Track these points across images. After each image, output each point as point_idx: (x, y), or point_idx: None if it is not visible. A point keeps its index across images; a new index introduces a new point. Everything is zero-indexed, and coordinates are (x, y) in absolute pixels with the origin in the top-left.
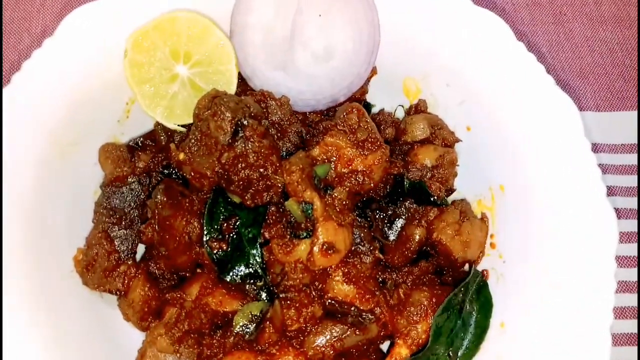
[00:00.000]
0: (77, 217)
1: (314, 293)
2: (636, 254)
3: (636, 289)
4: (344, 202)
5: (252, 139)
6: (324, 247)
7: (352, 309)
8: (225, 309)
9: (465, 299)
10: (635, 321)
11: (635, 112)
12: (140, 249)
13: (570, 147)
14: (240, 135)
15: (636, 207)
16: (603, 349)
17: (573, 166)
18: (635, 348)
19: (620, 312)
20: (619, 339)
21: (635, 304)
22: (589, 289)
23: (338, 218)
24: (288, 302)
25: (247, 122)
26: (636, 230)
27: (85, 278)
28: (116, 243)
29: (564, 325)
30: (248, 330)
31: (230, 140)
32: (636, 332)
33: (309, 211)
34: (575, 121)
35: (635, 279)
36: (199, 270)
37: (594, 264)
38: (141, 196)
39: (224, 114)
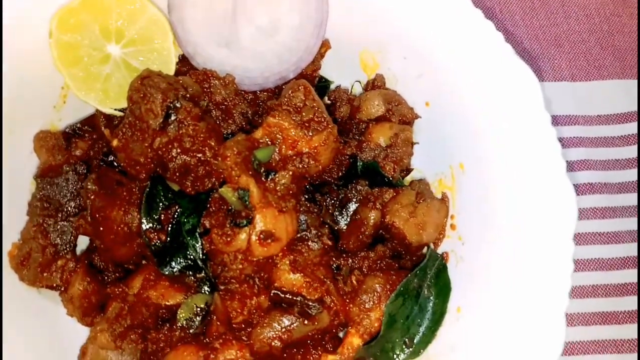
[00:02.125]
0: (13, 210)
1: (258, 284)
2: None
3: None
4: (287, 187)
5: (185, 122)
6: (262, 235)
7: (299, 298)
8: (168, 302)
9: (423, 283)
10: (635, 355)
11: (613, 81)
12: (85, 240)
13: (529, 121)
14: (173, 118)
15: (609, 182)
16: (558, 333)
17: (533, 141)
18: (635, 355)
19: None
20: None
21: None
22: (546, 270)
23: (279, 204)
24: (230, 294)
25: (180, 104)
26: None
27: (21, 274)
28: (52, 236)
29: (521, 309)
30: (193, 323)
31: (162, 124)
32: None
33: (246, 198)
34: (534, 92)
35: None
36: (144, 262)
37: (552, 244)
38: (78, 186)
39: (153, 96)
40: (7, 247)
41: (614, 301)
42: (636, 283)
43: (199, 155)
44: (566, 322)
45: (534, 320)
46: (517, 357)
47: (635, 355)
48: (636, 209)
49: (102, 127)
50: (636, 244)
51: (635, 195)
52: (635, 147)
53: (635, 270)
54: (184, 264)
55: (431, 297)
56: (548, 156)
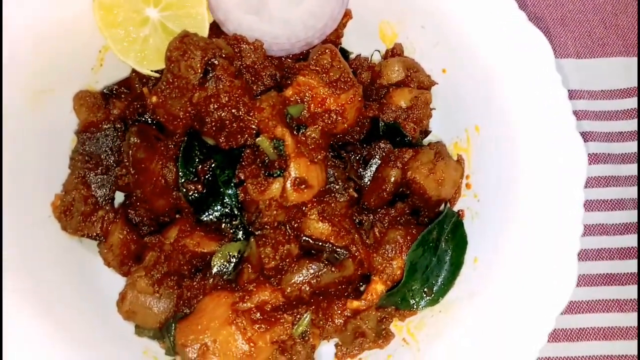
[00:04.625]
0: (54, 164)
1: (289, 231)
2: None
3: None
4: (317, 141)
5: (223, 79)
6: (297, 182)
7: (327, 245)
8: (203, 250)
9: (441, 237)
10: (635, 314)
11: (616, 59)
12: (119, 197)
13: (541, 82)
14: (211, 75)
15: (617, 152)
16: (570, 275)
17: (544, 100)
18: (635, 342)
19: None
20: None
21: (635, 296)
22: (559, 217)
23: (310, 155)
24: (264, 239)
25: (218, 61)
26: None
27: (63, 223)
28: (93, 188)
29: (535, 255)
30: (226, 270)
31: (201, 80)
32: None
33: (281, 147)
34: (546, 56)
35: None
36: (177, 216)
37: (562, 196)
38: (116, 142)
39: (193, 53)
40: (49, 200)
41: (617, 264)
42: (636, 247)
43: (234, 110)
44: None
45: (548, 264)
46: (532, 299)
47: (636, 314)
48: (636, 179)
49: (142, 86)
50: (636, 211)
51: (636, 165)
52: (636, 120)
53: (636, 236)
54: (221, 210)
55: (448, 250)
56: (559, 114)
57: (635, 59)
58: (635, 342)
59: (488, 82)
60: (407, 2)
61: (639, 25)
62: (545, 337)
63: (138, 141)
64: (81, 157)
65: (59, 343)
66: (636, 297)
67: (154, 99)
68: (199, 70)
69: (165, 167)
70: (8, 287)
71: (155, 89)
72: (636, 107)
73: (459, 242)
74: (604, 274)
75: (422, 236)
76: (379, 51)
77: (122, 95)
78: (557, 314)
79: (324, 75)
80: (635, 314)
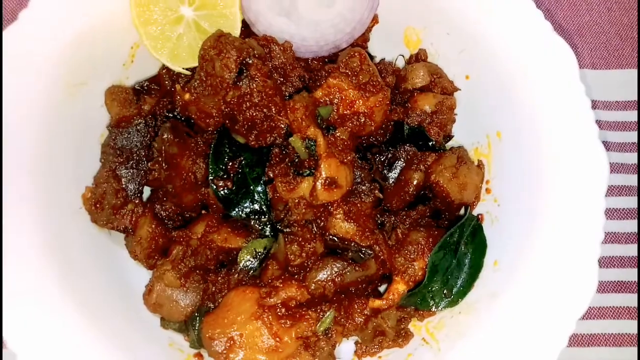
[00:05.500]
0: (84, 157)
1: (315, 230)
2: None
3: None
4: (345, 142)
5: (256, 78)
6: (327, 182)
7: (352, 244)
8: (230, 246)
9: (461, 240)
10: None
11: (632, 70)
12: (146, 192)
13: (564, 91)
14: (245, 74)
15: (631, 162)
16: (590, 280)
17: (567, 110)
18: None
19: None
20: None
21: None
22: (579, 223)
23: (340, 156)
24: (291, 236)
25: (252, 61)
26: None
27: (94, 215)
28: (123, 182)
29: (555, 262)
30: (252, 266)
31: (235, 79)
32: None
33: (312, 147)
34: (570, 66)
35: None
36: (203, 212)
37: (584, 203)
38: (147, 137)
39: (229, 52)
40: (77, 192)
41: (627, 272)
42: None
43: (265, 110)
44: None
45: (569, 269)
46: (553, 302)
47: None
48: None
49: (172, 84)
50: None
51: None
52: None
53: None
54: (250, 208)
55: (468, 253)
56: (582, 123)
57: None
58: None
59: (511, 89)
60: (434, 10)
61: None
62: (565, 340)
63: (171, 137)
64: (112, 151)
65: (92, 331)
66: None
67: (187, 96)
68: (234, 70)
69: (196, 163)
70: (48, 276)
71: (188, 86)
72: None
73: (479, 245)
74: (614, 281)
75: (444, 239)
76: (403, 56)
77: (152, 92)
78: (578, 317)
79: (354, 78)
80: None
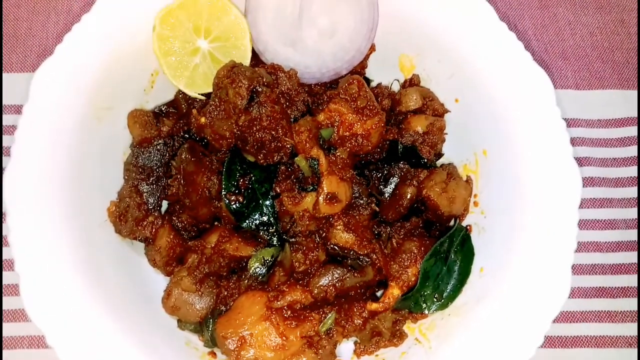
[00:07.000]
0: (109, 174)
1: (318, 239)
2: (636, 261)
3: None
4: (345, 161)
5: (265, 104)
6: (328, 196)
7: (351, 252)
8: (241, 254)
9: (451, 249)
10: (635, 324)
11: (613, 91)
12: (164, 206)
13: (543, 114)
14: (256, 100)
15: (607, 177)
16: (564, 284)
17: (545, 131)
18: (635, 350)
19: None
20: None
21: (635, 308)
22: (556, 234)
23: (340, 173)
24: (296, 246)
25: (262, 89)
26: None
27: (117, 227)
28: (144, 196)
29: (534, 266)
30: (261, 272)
31: (246, 105)
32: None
33: (315, 166)
34: (547, 91)
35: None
36: (216, 224)
37: (560, 215)
38: (166, 156)
39: (241, 82)
40: (103, 206)
41: (609, 279)
42: (628, 264)
43: (273, 132)
44: (568, 295)
45: (546, 274)
46: (531, 304)
47: (625, 324)
48: (630, 202)
49: (189, 107)
50: (630, 231)
51: (629, 189)
52: (631, 147)
53: (628, 253)
54: (259, 220)
55: (457, 261)
56: (558, 143)
57: (628, 91)
58: (627, 349)
59: (496, 112)
60: (426, 40)
61: (639, 61)
62: (541, 338)
63: (189, 156)
64: (135, 168)
65: (120, 332)
66: (629, 310)
67: (203, 119)
68: (246, 97)
69: (210, 179)
70: (84, 283)
71: (203, 110)
72: (629, 135)
73: (467, 253)
74: (597, 287)
75: (435, 248)
76: (397, 80)
77: (170, 115)
78: (553, 317)
79: (352, 103)
80: (626, 325)
